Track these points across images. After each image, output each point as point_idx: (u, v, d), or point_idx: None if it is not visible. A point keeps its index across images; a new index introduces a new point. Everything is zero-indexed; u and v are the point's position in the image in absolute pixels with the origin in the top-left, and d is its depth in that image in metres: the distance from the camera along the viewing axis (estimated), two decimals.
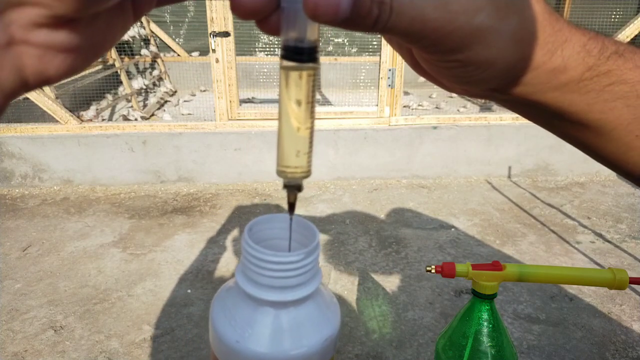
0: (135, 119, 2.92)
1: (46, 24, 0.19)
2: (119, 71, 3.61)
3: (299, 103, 0.25)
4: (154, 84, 4.14)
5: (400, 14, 0.23)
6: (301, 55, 0.24)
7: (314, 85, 0.25)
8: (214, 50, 2.51)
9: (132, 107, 3.35)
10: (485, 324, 0.58)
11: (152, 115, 3.26)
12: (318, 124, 2.69)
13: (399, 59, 2.64)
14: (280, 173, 0.27)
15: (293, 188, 0.28)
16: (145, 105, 3.71)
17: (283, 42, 0.24)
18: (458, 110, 2.99)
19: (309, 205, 2.49)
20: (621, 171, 0.32)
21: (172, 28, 4.43)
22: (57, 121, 2.61)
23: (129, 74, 3.99)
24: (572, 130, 0.31)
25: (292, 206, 0.30)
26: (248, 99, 3.53)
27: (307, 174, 0.27)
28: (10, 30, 0.18)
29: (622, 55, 0.28)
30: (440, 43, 0.24)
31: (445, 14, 0.23)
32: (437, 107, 3.03)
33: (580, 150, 0.33)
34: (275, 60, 3.46)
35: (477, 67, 0.26)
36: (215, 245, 2.08)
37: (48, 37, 0.20)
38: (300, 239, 0.34)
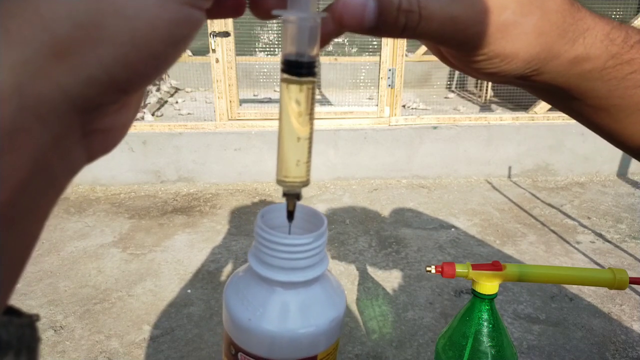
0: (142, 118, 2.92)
1: (112, 111, 0.21)
2: None
3: (299, 114, 0.26)
4: (154, 84, 4.14)
5: (430, 20, 0.24)
6: (301, 69, 0.25)
7: (313, 97, 0.26)
8: (214, 50, 2.51)
9: None
10: (485, 324, 0.58)
11: (152, 115, 3.26)
12: (318, 124, 2.69)
13: (399, 58, 2.64)
14: (280, 182, 0.28)
15: (292, 196, 0.29)
16: (145, 105, 3.71)
17: (284, 56, 0.25)
18: (455, 109, 2.99)
19: (309, 205, 2.48)
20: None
21: None
22: None
23: None
24: (592, 114, 0.32)
25: (291, 214, 0.31)
26: (254, 96, 3.52)
27: (306, 183, 0.28)
28: (85, 126, 0.20)
29: None
30: (468, 42, 0.26)
31: (473, 14, 0.24)
32: (426, 107, 3.04)
33: (598, 135, 0.34)
34: (274, 60, 3.46)
35: (502, 60, 0.27)
36: (215, 245, 2.08)
37: (113, 120, 0.22)
38: (309, 226, 0.36)
